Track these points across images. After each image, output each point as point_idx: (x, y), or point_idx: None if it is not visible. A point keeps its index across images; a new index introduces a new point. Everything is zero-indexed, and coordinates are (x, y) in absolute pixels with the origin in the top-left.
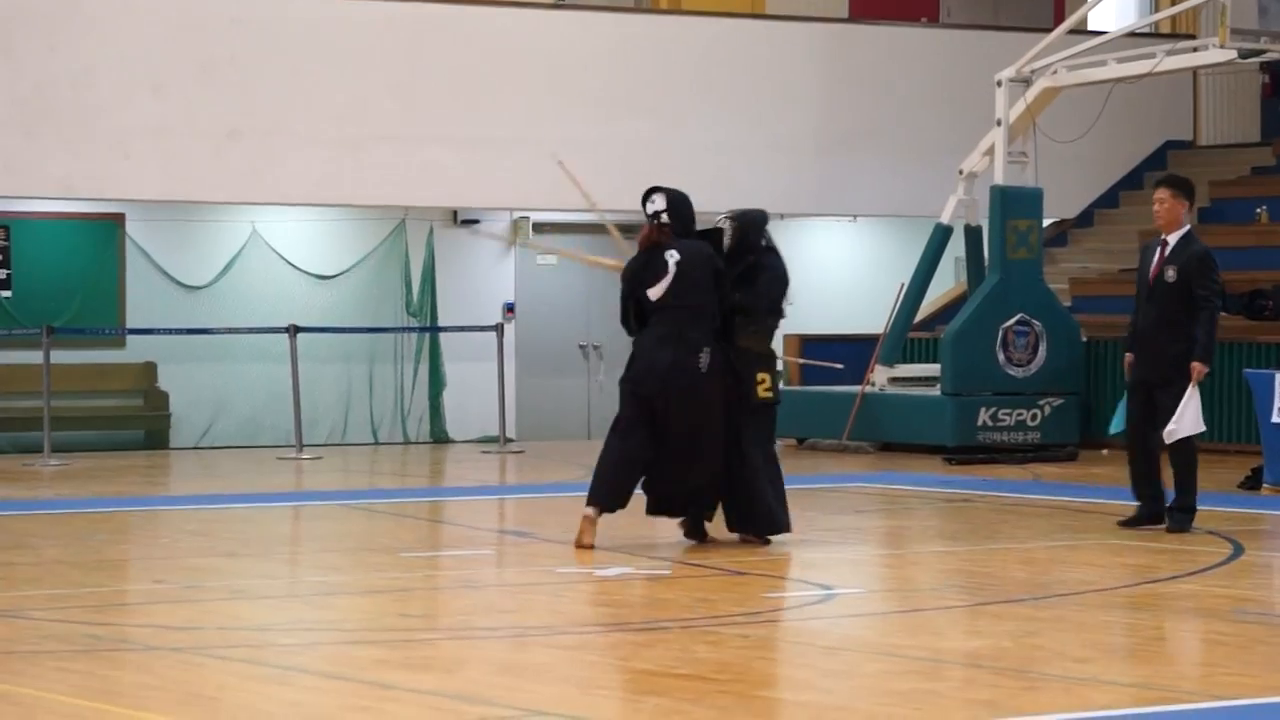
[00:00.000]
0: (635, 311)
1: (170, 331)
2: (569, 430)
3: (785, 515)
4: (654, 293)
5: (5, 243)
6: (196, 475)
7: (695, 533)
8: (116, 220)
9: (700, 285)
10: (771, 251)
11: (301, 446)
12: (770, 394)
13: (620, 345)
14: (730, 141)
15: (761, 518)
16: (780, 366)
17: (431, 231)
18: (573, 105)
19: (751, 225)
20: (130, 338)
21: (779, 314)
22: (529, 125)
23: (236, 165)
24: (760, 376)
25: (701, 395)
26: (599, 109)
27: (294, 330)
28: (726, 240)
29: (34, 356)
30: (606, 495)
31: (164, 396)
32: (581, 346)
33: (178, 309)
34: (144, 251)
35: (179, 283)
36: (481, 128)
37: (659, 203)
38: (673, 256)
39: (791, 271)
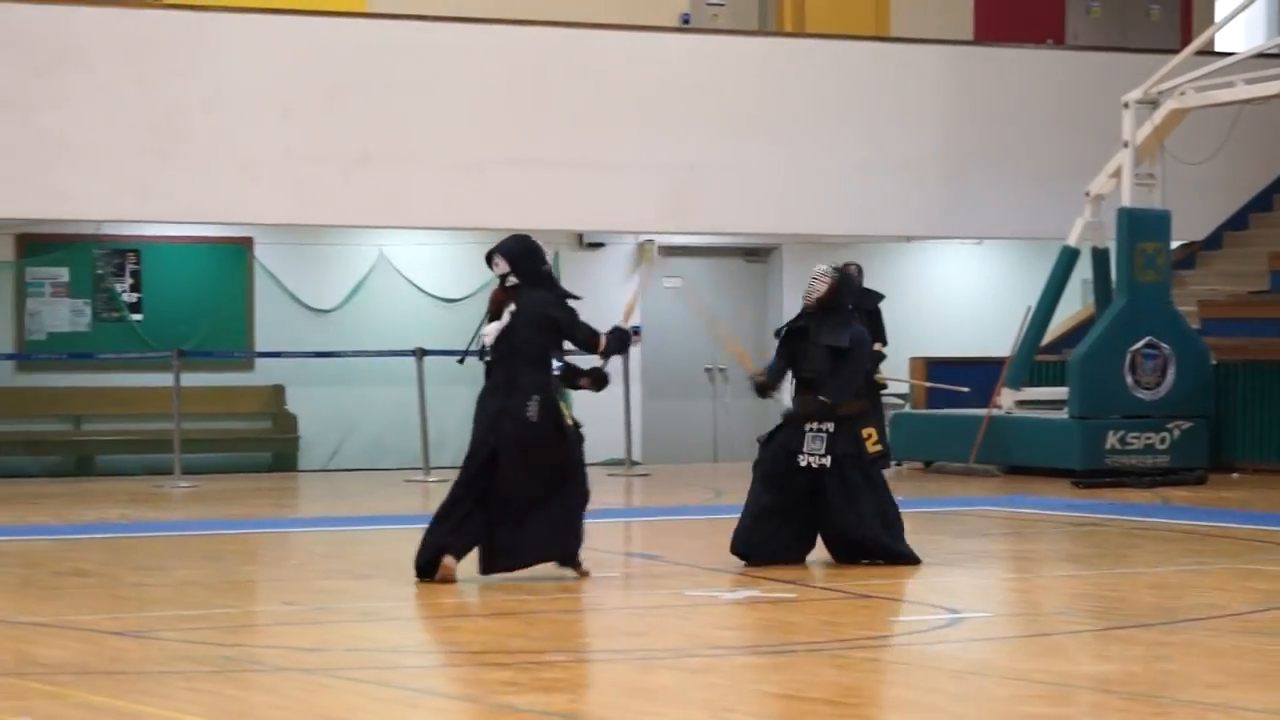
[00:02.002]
0: None
1: (298, 354)
2: (695, 453)
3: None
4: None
5: (136, 267)
6: (324, 497)
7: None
8: (245, 244)
9: (532, 334)
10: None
11: (428, 468)
12: (880, 447)
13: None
14: (855, 163)
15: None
16: (906, 389)
17: (557, 255)
18: (698, 128)
19: (845, 282)
20: (259, 361)
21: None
22: (654, 148)
23: (364, 189)
24: (867, 432)
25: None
26: (724, 132)
27: (421, 353)
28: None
29: (164, 379)
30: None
31: (292, 419)
32: (707, 370)
33: (306, 332)
34: (272, 275)
35: (307, 306)
36: (607, 151)
37: (502, 265)
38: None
39: (917, 294)
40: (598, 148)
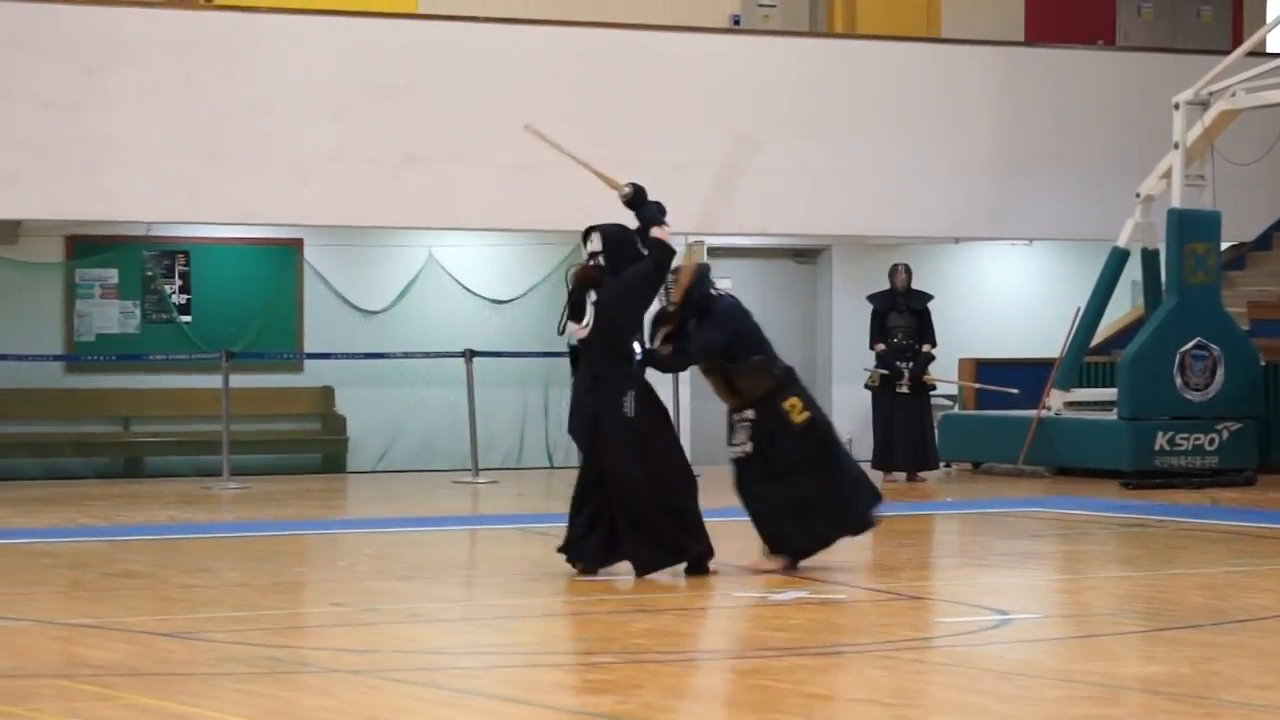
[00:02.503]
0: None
1: (348, 356)
2: None
3: (799, 533)
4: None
5: (186, 268)
6: (373, 499)
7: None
8: (295, 246)
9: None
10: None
11: (477, 470)
12: (807, 414)
13: (796, 369)
14: (905, 164)
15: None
16: (955, 390)
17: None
18: (748, 129)
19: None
20: (308, 362)
21: (752, 350)
22: (704, 150)
23: (413, 190)
24: (790, 403)
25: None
26: (774, 133)
27: (470, 355)
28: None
29: (213, 381)
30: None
31: (341, 420)
32: None
33: (355, 333)
34: (322, 276)
35: (356, 307)
36: (656, 152)
37: (595, 242)
38: (590, 297)
39: (966, 296)
40: (648, 149)
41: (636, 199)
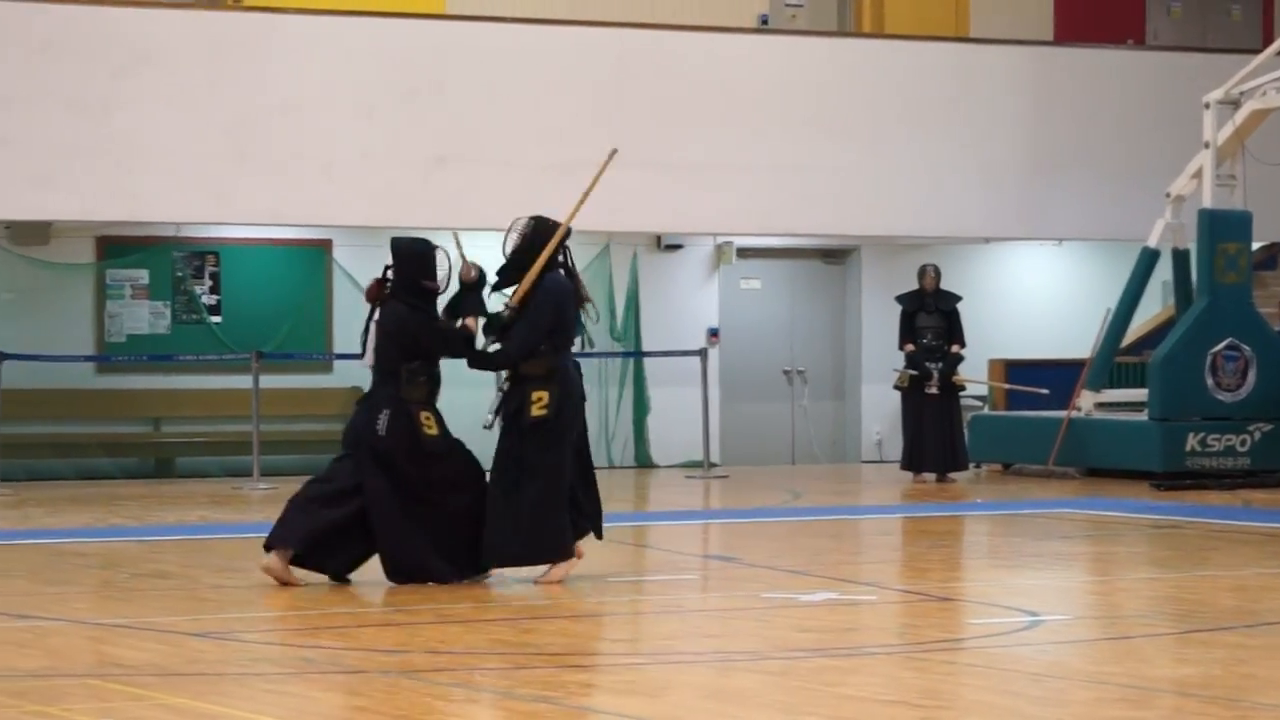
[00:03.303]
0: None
1: None
2: (773, 455)
3: (516, 542)
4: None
5: (216, 269)
6: None
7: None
8: (324, 246)
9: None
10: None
11: None
12: (544, 411)
13: (825, 370)
14: (934, 165)
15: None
16: (985, 391)
17: (635, 256)
18: (777, 129)
19: (539, 236)
20: (337, 362)
21: (566, 336)
22: (733, 150)
23: (442, 191)
24: (537, 395)
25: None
26: (803, 133)
27: None
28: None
29: (243, 381)
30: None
31: None
32: (785, 371)
33: None
34: (351, 277)
35: None
36: (685, 152)
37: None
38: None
39: (995, 296)
40: (676, 149)
41: (479, 283)
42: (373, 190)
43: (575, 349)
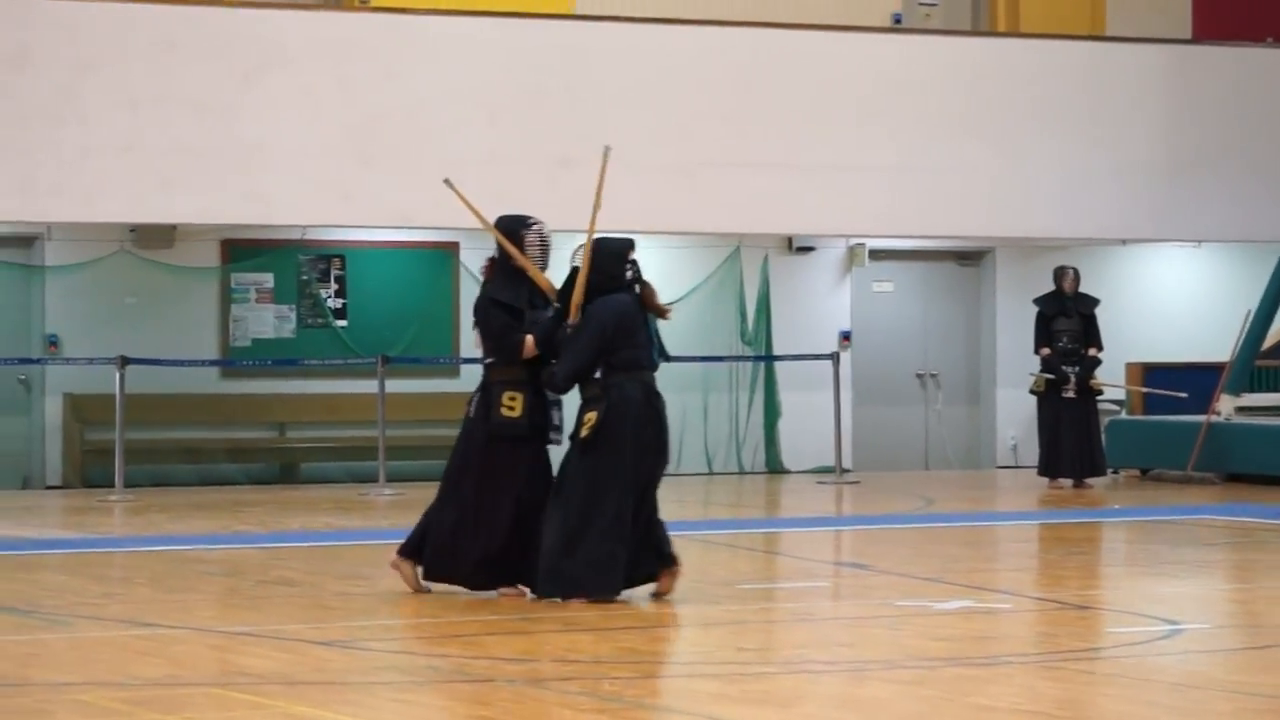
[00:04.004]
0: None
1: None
2: (906, 461)
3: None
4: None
5: (341, 272)
6: None
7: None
8: (451, 249)
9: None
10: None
11: None
12: (588, 433)
13: (959, 374)
14: (1071, 165)
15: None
16: (1123, 395)
17: (766, 259)
18: (910, 129)
19: (608, 256)
20: (464, 366)
21: (625, 357)
22: (866, 151)
23: (568, 193)
24: (586, 416)
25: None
26: (937, 133)
27: None
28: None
29: (369, 386)
30: None
31: None
32: (919, 375)
33: None
34: (477, 280)
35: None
36: (817, 153)
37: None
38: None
39: (1133, 298)
40: (807, 150)
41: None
42: (498, 192)
43: (706, 353)
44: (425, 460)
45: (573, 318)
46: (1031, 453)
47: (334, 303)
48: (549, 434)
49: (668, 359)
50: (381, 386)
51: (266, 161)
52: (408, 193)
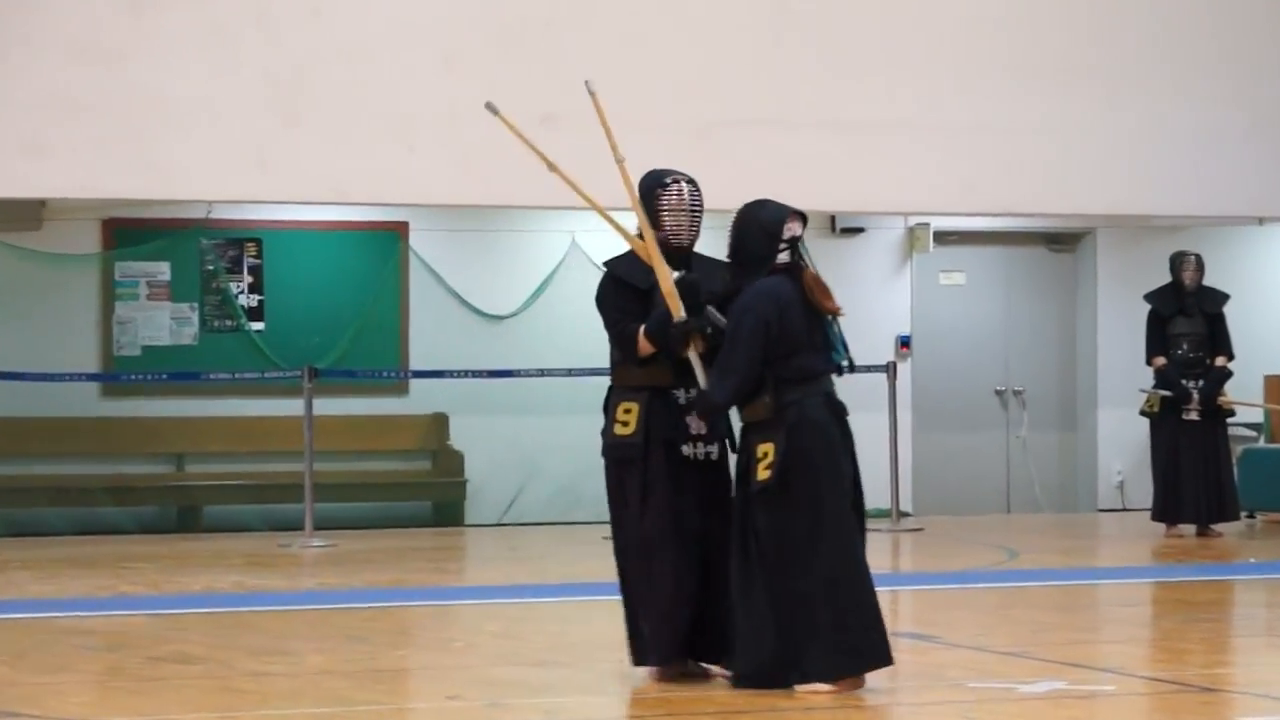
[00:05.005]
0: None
1: (466, 374)
2: (981, 502)
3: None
4: None
5: (257, 260)
6: (498, 559)
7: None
8: (398, 230)
9: None
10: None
11: None
12: (769, 473)
13: (1050, 390)
14: (1191, 126)
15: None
16: (1260, 417)
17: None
18: (986, 81)
19: (747, 229)
20: (415, 382)
21: (793, 364)
22: (925, 107)
23: (552, 158)
24: (763, 450)
25: None
26: (1020, 85)
27: None
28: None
29: (293, 406)
30: None
31: (458, 458)
32: (998, 392)
33: (476, 345)
34: (431, 270)
35: (477, 311)
36: (866, 110)
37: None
38: None
39: (1273, 293)
40: (854, 105)
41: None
42: (461, 159)
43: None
44: (362, 502)
45: (674, 310)
46: (1143, 491)
47: (247, 300)
48: (680, 446)
49: (853, 367)
50: (308, 408)
51: (162, 119)
52: (342, 160)
